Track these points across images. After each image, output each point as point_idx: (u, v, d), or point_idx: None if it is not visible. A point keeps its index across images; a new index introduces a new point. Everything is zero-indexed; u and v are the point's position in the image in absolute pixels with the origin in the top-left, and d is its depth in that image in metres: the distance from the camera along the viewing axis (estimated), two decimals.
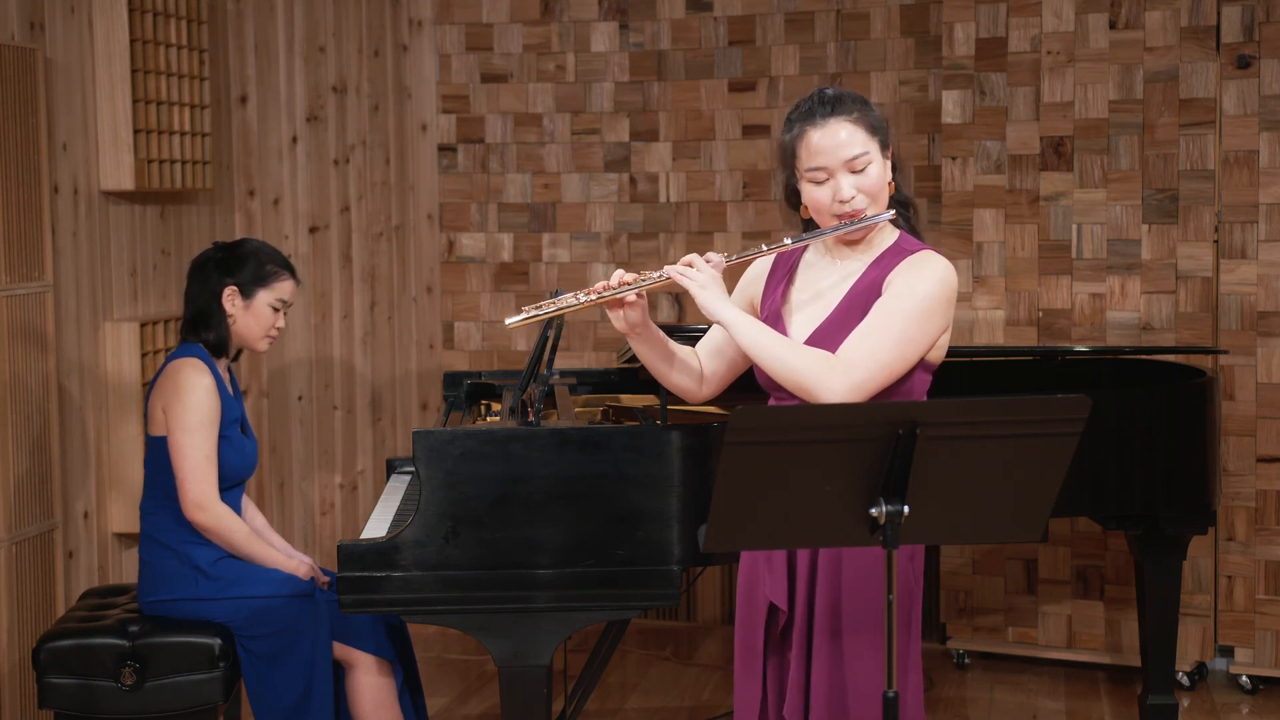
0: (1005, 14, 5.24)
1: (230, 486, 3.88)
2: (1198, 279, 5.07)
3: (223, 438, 3.84)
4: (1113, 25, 5.12)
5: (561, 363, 5.62)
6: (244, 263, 3.93)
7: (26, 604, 4.33)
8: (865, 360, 2.74)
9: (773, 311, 2.95)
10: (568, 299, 2.88)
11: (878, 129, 2.86)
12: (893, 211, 2.86)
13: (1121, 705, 4.95)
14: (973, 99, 5.30)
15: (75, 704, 3.73)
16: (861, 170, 2.83)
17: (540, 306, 2.89)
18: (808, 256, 2.98)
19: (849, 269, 2.89)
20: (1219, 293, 5.07)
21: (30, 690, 4.21)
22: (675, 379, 3.02)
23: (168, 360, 3.90)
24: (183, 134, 5.05)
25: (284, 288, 3.96)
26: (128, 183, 4.75)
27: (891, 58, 5.63)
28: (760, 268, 3.04)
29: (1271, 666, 5.08)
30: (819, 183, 2.85)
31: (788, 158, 2.90)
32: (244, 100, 5.68)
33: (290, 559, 3.92)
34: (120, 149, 4.74)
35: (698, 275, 2.81)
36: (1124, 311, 5.16)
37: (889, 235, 2.90)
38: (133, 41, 4.76)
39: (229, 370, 3.98)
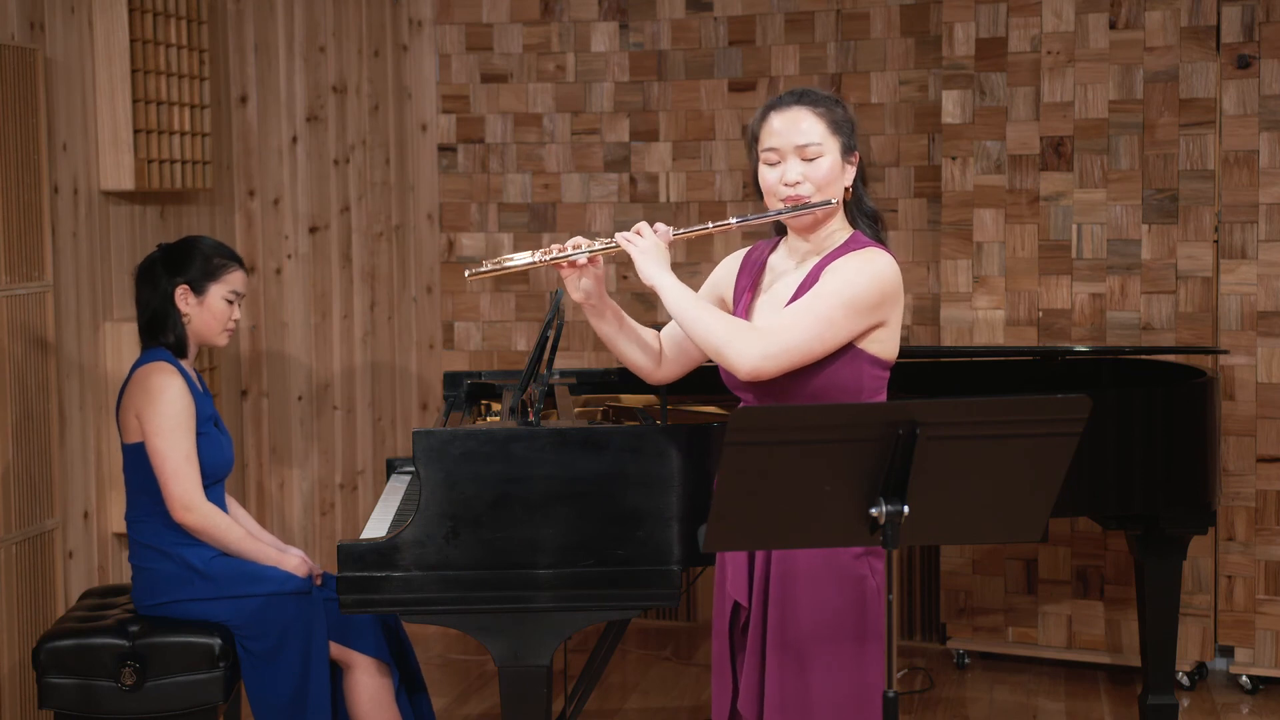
0: (1005, 14, 5.24)
1: (212, 483, 3.88)
2: (1198, 279, 5.07)
3: (200, 435, 3.84)
4: (1113, 25, 5.12)
5: (561, 363, 5.62)
6: (191, 260, 3.92)
7: (26, 604, 4.33)
8: (781, 332, 2.81)
9: (738, 304, 3.04)
10: (525, 256, 3.00)
11: (841, 129, 2.93)
12: (835, 200, 2.91)
13: (1121, 705, 4.95)
14: (973, 99, 5.30)
15: (75, 704, 3.72)
16: (812, 160, 2.90)
17: (500, 263, 3.02)
18: (773, 259, 3.05)
19: (804, 265, 2.96)
20: (1219, 293, 5.07)
21: (30, 690, 4.21)
22: (630, 355, 3.10)
23: (134, 368, 3.88)
24: (183, 134, 5.05)
25: (234, 279, 3.95)
26: (128, 183, 4.75)
27: (891, 58, 5.63)
28: (730, 267, 3.13)
29: (1271, 666, 5.08)
30: (771, 164, 2.93)
31: (751, 141, 2.99)
32: (244, 100, 5.68)
33: (283, 554, 3.91)
34: (120, 149, 4.74)
35: (641, 242, 2.92)
36: (1124, 311, 5.16)
37: (842, 235, 2.96)
38: (133, 41, 4.76)
39: (195, 369, 3.97)
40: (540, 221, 6.06)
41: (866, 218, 2.99)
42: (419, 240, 6.11)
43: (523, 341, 6.09)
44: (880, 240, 2.99)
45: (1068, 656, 5.30)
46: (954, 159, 5.35)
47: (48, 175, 4.45)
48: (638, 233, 2.94)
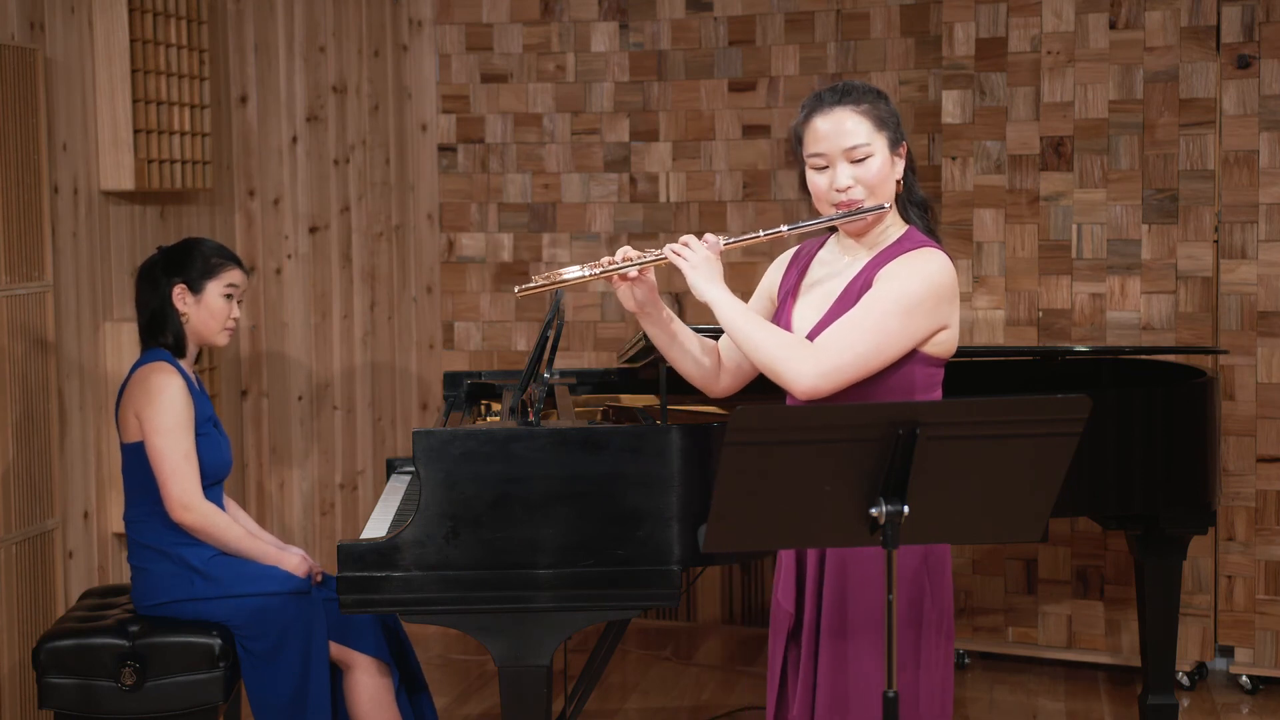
0: (1005, 14, 5.24)
1: (211, 484, 3.88)
2: (1198, 279, 5.07)
3: (200, 435, 3.84)
4: (1113, 25, 5.12)
5: (561, 363, 5.62)
6: (189, 260, 3.92)
7: (26, 604, 4.33)
8: (837, 349, 2.75)
9: (784, 301, 2.97)
10: (575, 271, 2.95)
11: (886, 124, 2.86)
12: (888, 204, 2.85)
13: (1121, 705, 4.95)
14: (973, 99, 5.30)
15: (75, 704, 3.73)
16: (861, 161, 2.83)
17: (548, 277, 2.98)
18: (822, 254, 2.99)
19: (854, 262, 2.90)
20: (1219, 293, 5.07)
21: (30, 690, 4.21)
22: (686, 366, 3.03)
23: (134, 368, 3.89)
24: (183, 134, 5.05)
25: (231, 275, 3.95)
26: (128, 183, 4.75)
27: (891, 58, 5.63)
28: (779, 267, 3.06)
29: (1271, 666, 5.08)
30: (819, 169, 2.86)
31: (795, 144, 2.92)
32: (244, 100, 5.68)
33: (283, 552, 3.91)
34: (120, 149, 4.74)
35: (691, 255, 2.85)
36: (1124, 311, 5.16)
37: (895, 230, 2.90)
38: (133, 41, 4.76)
39: (194, 370, 3.98)
40: (540, 221, 6.06)
41: (917, 207, 2.93)
42: (419, 240, 6.11)
43: (523, 341, 6.09)
44: (932, 232, 2.93)
45: (1068, 656, 5.30)
46: (954, 159, 5.35)
47: (48, 175, 4.45)
48: (686, 245, 2.86)
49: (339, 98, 5.86)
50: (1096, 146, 5.16)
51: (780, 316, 2.96)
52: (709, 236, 2.88)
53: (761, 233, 2.90)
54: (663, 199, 5.95)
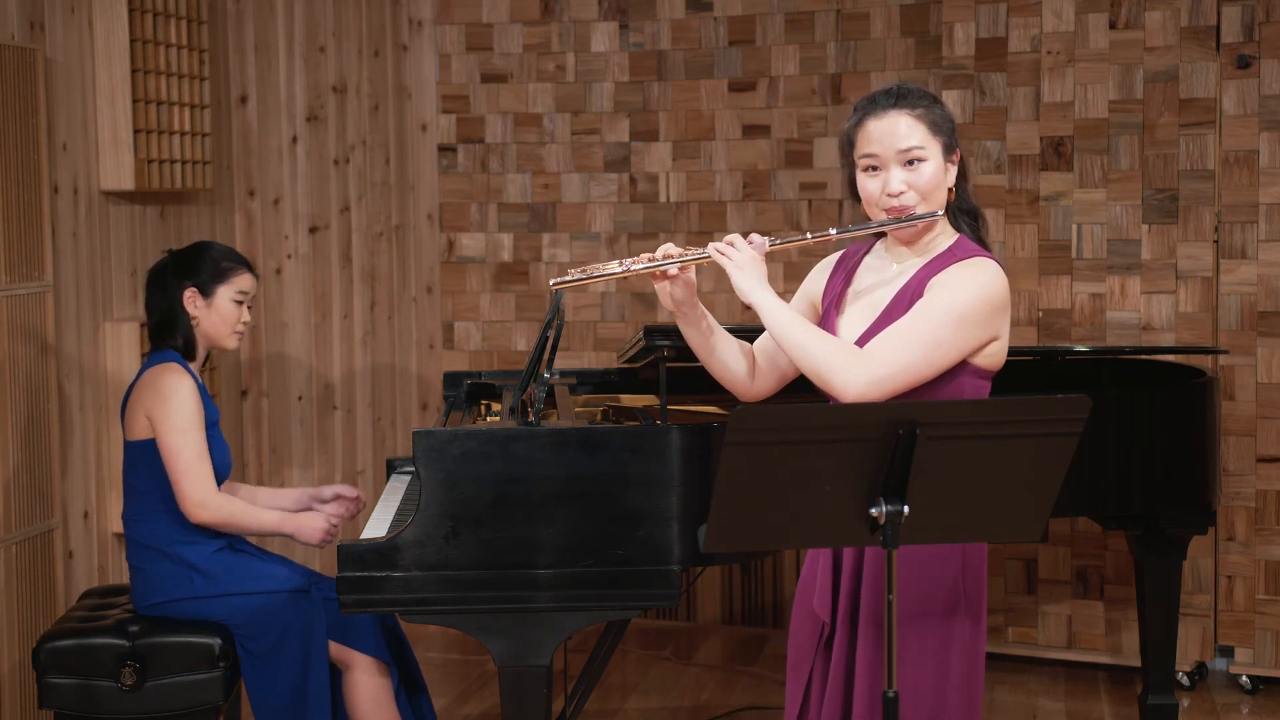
0: (1005, 14, 5.24)
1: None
2: (1198, 279, 5.07)
3: (208, 437, 3.85)
4: (1113, 25, 5.12)
5: (561, 363, 5.62)
6: (200, 263, 3.93)
7: (26, 604, 4.33)
8: (888, 357, 2.70)
9: (828, 308, 2.93)
10: (612, 266, 2.87)
11: (941, 129, 2.81)
12: (942, 211, 2.81)
13: (1121, 705, 4.95)
14: (973, 99, 5.31)
15: (75, 704, 3.73)
16: (915, 166, 2.79)
17: (585, 271, 2.88)
18: (869, 260, 2.94)
19: (903, 270, 2.85)
20: (1219, 293, 5.07)
21: (30, 690, 4.21)
22: (720, 370, 2.98)
23: (144, 367, 3.90)
24: (183, 134, 5.05)
25: (242, 280, 3.96)
26: (128, 183, 4.76)
27: (891, 58, 5.63)
28: (823, 272, 3.01)
29: (1271, 666, 5.08)
30: (870, 173, 2.82)
31: (846, 146, 2.87)
32: (244, 100, 5.68)
33: (298, 519, 3.90)
34: (120, 149, 4.74)
35: (736, 255, 2.79)
36: (1124, 311, 5.16)
37: (946, 238, 2.85)
38: (133, 41, 4.76)
39: (201, 374, 3.99)
40: (540, 221, 6.06)
41: (966, 215, 2.88)
42: (419, 240, 6.11)
43: (523, 341, 6.09)
44: (981, 240, 2.89)
45: (1068, 656, 5.30)
46: None
47: (48, 175, 4.45)
48: (730, 244, 2.79)
49: (339, 98, 5.86)
50: (1096, 146, 5.16)
51: (825, 324, 2.91)
52: (755, 237, 2.82)
53: (809, 235, 2.84)
54: (663, 199, 5.95)
